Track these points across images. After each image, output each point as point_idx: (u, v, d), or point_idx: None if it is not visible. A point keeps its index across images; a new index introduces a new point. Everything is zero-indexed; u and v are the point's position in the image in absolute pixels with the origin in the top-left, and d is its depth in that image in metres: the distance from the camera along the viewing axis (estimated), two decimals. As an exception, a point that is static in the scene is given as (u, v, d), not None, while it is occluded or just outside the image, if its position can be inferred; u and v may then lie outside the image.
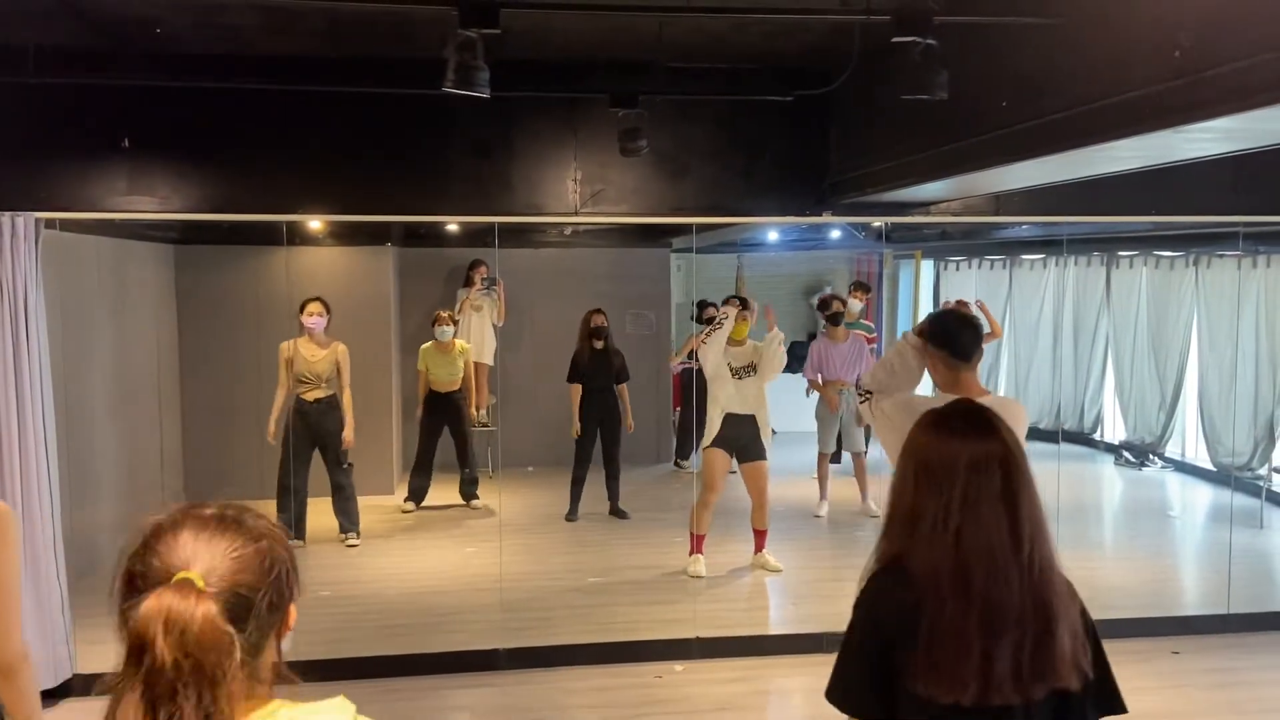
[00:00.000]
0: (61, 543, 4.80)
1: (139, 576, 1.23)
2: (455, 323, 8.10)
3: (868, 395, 3.41)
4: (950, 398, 3.12)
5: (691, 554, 6.57)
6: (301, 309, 6.90)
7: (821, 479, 8.16)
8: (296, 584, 1.33)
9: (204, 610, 1.18)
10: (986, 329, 3.78)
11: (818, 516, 8.02)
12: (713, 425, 6.43)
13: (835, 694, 1.84)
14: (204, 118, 6.30)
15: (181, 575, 1.21)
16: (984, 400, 3.22)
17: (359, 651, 5.20)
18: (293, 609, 1.33)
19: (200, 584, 1.20)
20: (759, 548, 6.72)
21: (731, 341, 6.45)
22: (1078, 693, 1.77)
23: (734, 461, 6.65)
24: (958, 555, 1.72)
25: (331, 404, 6.95)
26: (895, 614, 1.76)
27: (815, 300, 12.59)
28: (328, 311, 6.94)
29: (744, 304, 6.60)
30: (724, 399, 6.43)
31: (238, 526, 1.29)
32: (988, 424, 1.81)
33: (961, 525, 1.73)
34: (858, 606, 1.86)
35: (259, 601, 1.24)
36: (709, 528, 6.60)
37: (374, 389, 8.43)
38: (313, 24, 5.49)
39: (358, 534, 7.25)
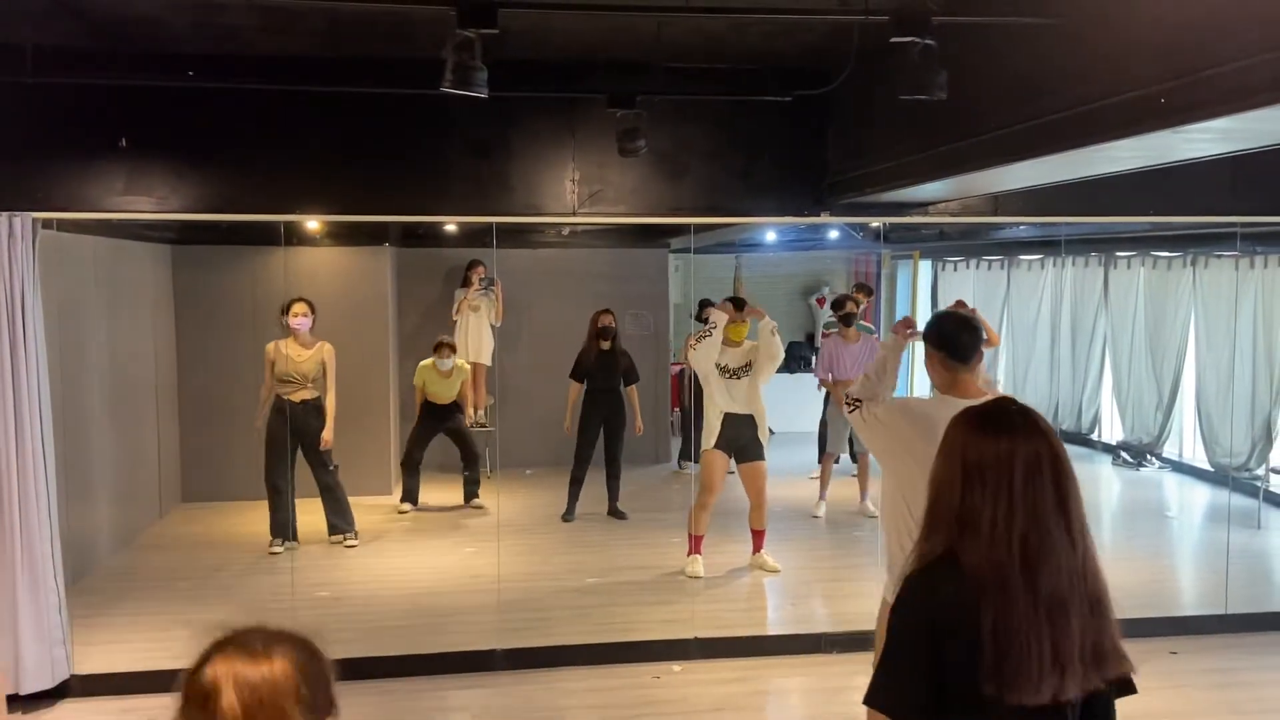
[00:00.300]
0: (59, 544, 4.79)
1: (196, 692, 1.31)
2: (454, 352, 8.06)
3: (856, 404, 3.45)
4: (954, 399, 3.14)
5: (690, 554, 6.57)
6: (286, 310, 6.88)
7: (824, 479, 8.16)
8: (335, 703, 1.42)
9: (270, 670, 1.30)
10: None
11: (815, 517, 8.03)
12: (712, 427, 6.43)
13: (880, 697, 1.80)
14: (202, 118, 6.29)
15: (253, 645, 1.33)
16: (981, 401, 3.27)
17: (356, 652, 5.19)
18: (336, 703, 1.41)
19: (267, 654, 1.32)
20: (757, 548, 6.72)
21: (729, 342, 6.45)
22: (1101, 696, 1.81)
23: (732, 462, 6.64)
24: (1024, 554, 1.72)
25: (316, 405, 6.93)
26: (948, 611, 1.74)
27: (821, 296, 12.62)
28: (313, 312, 6.92)
29: (738, 305, 6.58)
30: (720, 400, 6.43)
31: (295, 633, 1.42)
32: (1035, 423, 1.82)
33: (1025, 525, 1.73)
34: (901, 606, 1.83)
35: (312, 684, 1.35)
36: (707, 528, 6.60)
37: (371, 389, 8.43)
38: (311, 24, 5.48)
39: (355, 534, 7.23)
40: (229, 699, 1.27)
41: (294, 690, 1.32)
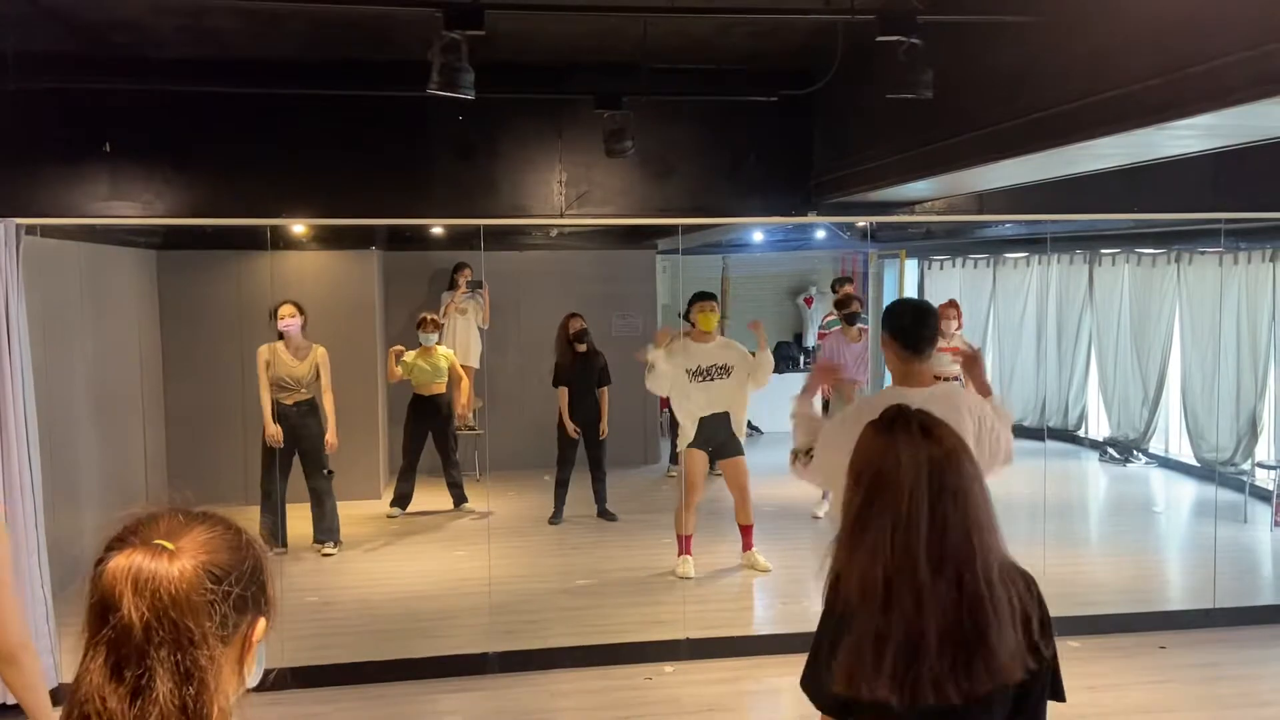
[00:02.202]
0: (45, 551, 4.75)
1: (117, 549, 1.19)
2: (440, 327, 8.04)
3: (806, 455, 3.47)
4: (905, 391, 3.17)
5: (680, 555, 6.57)
6: (274, 314, 6.83)
7: None
8: (271, 593, 1.27)
9: (179, 568, 1.13)
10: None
11: (816, 517, 7.99)
12: (687, 432, 6.42)
13: (805, 682, 1.94)
14: (185, 122, 6.26)
15: (156, 540, 1.16)
16: (931, 390, 3.33)
17: (347, 657, 5.17)
18: (261, 623, 1.25)
19: (173, 549, 1.16)
20: (747, 545, 6.70)
21: (698, 336, 6.38)
22: (1033, 682, 1.77)
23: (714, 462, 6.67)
24: (908, 558, 1.71)
25: (311, 408, 6.91)
26: (837, 617, 1.82)
27: (809, 296, 12.64)
28: (302, 313, 6.87)
29: (705, 297, 6.53)
30: (691, 406, 6.39)
31: (217, 519, 1.26)
32: (927, 431, 1.79)
33: (910, 526, 1.72)
34: (825, 604, 1.92)
35: (230, 584, 1.18)
36: (695, 527, 6.60)
37: (359, 393, 8.40)
38: (295, 27, 5.46)
39: (335, 543, 7.16)
40: (128, 605, 1.12)
41: (203, 591, 1.15)
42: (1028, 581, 1.83)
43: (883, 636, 1.71)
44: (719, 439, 6.45)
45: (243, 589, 1.20)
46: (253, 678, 1.26)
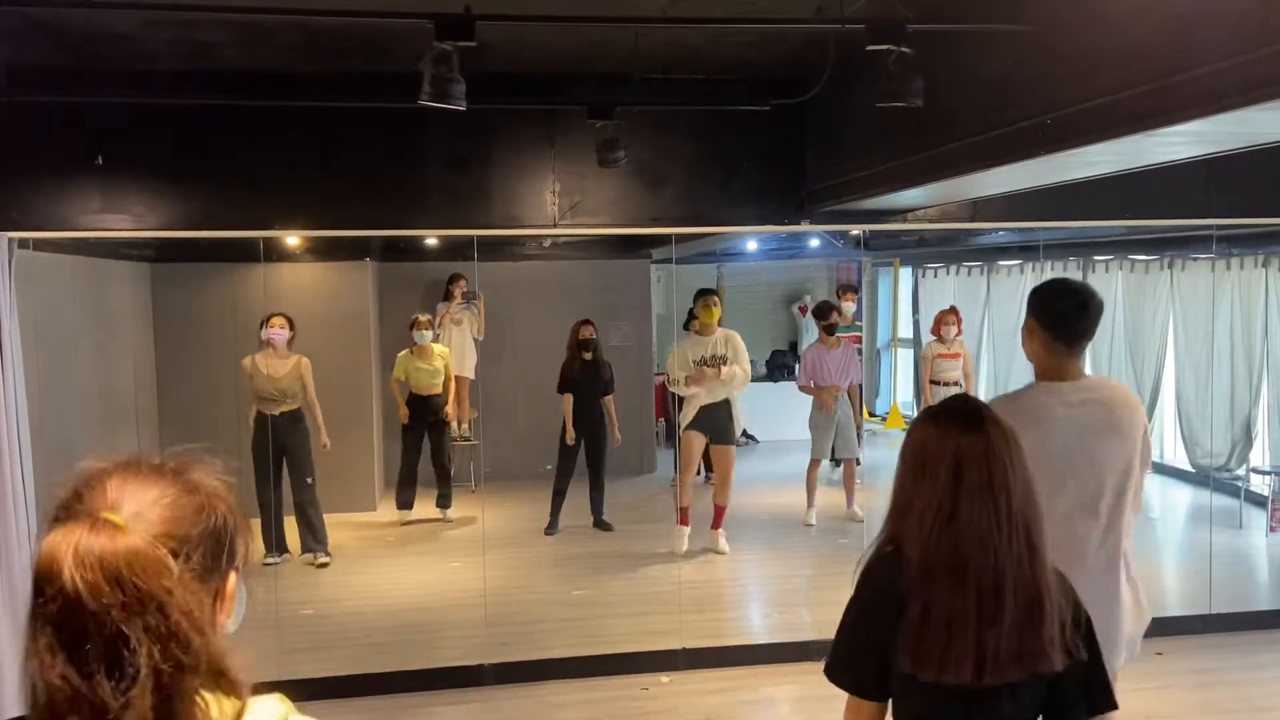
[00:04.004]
0: (38, 565, 4.73)
1: (60, 520, 1.08)
2: (433, 326, 8.14)
3: None
4: (1053, 386, 2.80)
5: (679, 525, 6.80)
6: (264, 323, 6.96)
7: (810, 486, 8.17)
8: (241, 549, 1.16)
9: (125, 543, 1.03)
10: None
11: (808, 525, 8.01)
12: (687, 415, 6.73)
13: (834, 670, 1.95)
14: (178, 134, 6.25)
15: (104, 514, 1.06)
16: (1083, 383, 2.86)
17: (342, 670, 5.15)
18: (232, 577, 1.15)
19: (121, 524, 1.05)
20: (716, 524, 6.99)
21: (702, 330, 6.73)
22: (1068, 682, 1.84)
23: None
24: (951, 541, 1.78)
25: (296, 417, 6.98)
26: (887, 595, 1.84)
27: (804, 304, 12.66)
28: (291, 328, 7.04)
29: (707, 293, 6.84)
30: (694, 396, 6.71)
31: (175, 476, 1.15)
32: (977, 418, 1.86)
33: (953, 512, 1.78)
34: (856, 588, 1.95)
35: (187, 559, 1.08)
36: (690, 500, 6.81)
37: (354, 405, 8.38)
38: (287, 39, 5.47)
39: (326, 552, 7.20)
40: (71, 578, 1.00)
41: (157, 564, 1.04)
42: (1065, 584, 1.88)
43: (960, 617, 1.76)
44: (718, 425, 6.81)
45: (203, 556, 1.10)
46: (232, 624, 1.17)
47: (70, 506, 1.10)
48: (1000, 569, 1.77)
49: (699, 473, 9.61)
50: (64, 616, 1.01)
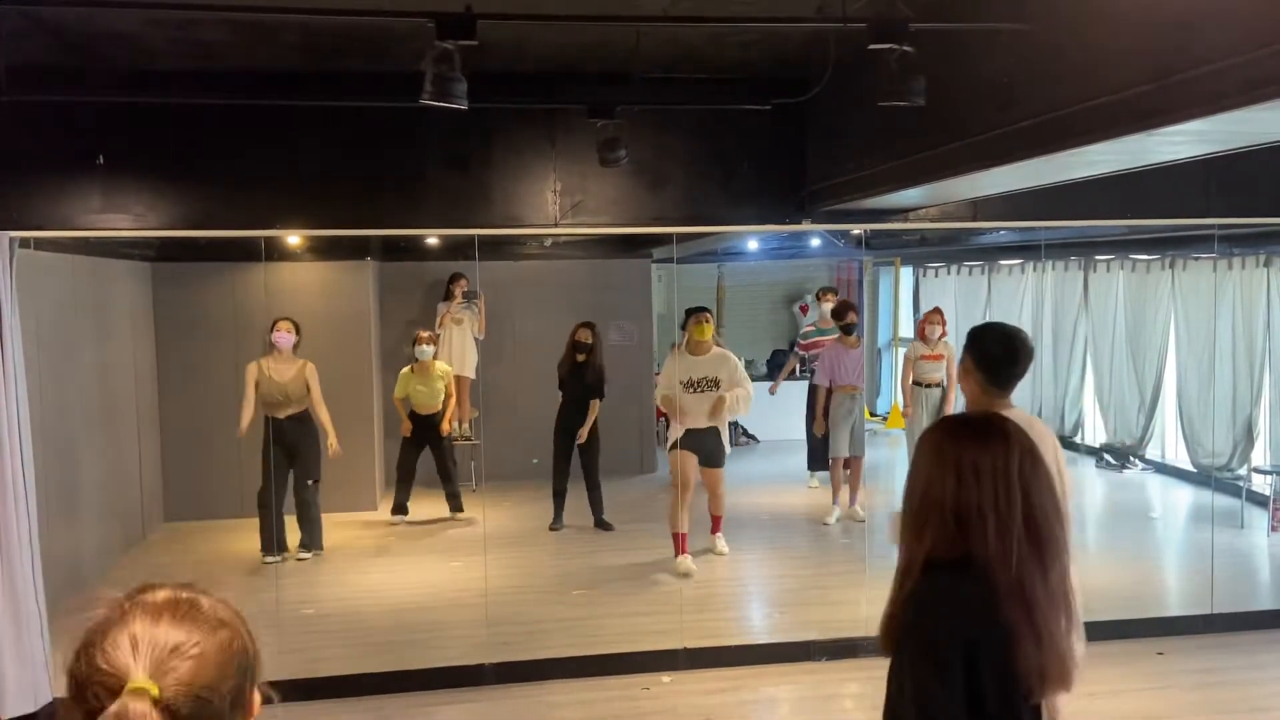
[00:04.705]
0: (40, 565, 4.73)
1: (85, 683, 1.06)
2: (435, 342, 8.14)
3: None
4: None
5: (678, 555, 6.63)
6: (271, 327, 7.03)
7: (836, 485, 8.13)
8: (259, 668, 1.18)
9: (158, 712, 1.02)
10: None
11: (826, 524, 7.97)
12: (676, 434, 6.63)
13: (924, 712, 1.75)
14: (179, 133, 6.25)
15: (134, 685, 1.04)
16: (1010, 413, 3.06)
17: (343, 669, 5.15)
18: (256, 696, 1.18)
19: (154, 691, 1.04)
20: (716, 529, 6.97)
21: (695, 347, 6.54)
22: None
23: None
24: (1032, 541, 1.76)
25: (302, 420, 7.02)
26: (973, 615, 1.74)
27: (804, 304, 12.66)
28: (298, 333, 7.10)
29: (698, 310, 6.72)
30: (682, 417, 6.53)
31: (194, 614, 1.12)
32: (1020, 430, 1.87)
33: (1028, 514, 1.77)
34: (926, 618, 1.77)
35: (220, 701, 1.09)
36: (690, 526, 6.70)
37: (355, 405, 8.38)
38: (288, 39, 5.47)
39: (318, 550, 7.25)
40: None
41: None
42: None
43: (1058, 627, 1.74)
44: (705, 449, 6.59)
45: (233, 689, 1.11)
46: None
47: (92, 663, 1.06)
48: (1065, 569, 1.80)
49: None
50: None
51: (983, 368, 3.04)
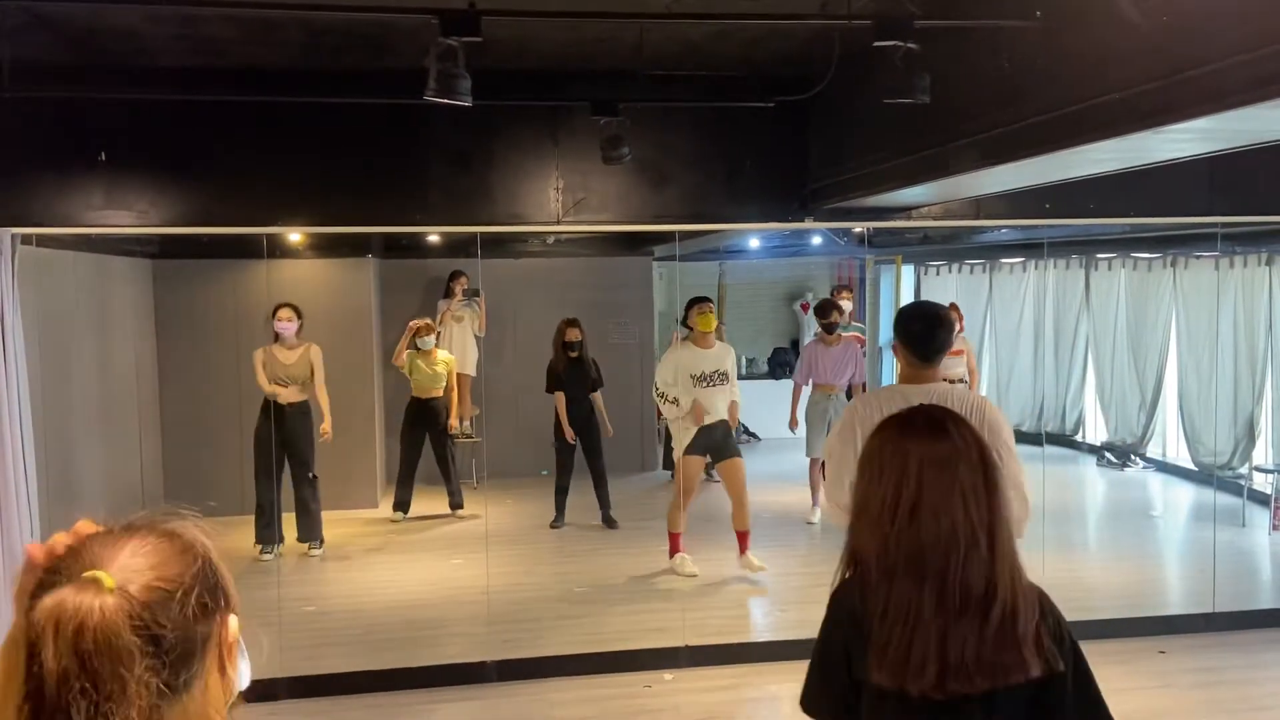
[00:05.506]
0: (41, 561, 4.73)
1: (35, 596, 1.01)
2: (438, 332, 8.16)
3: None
4: (907, 389, 3.16)
5: (674, 554, 6.58)
6: (273, 314, 7.08)
7: (814, 485, 8.14)
8: (229, 587, 1.12)
9: (103, 605, 0.98)
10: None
11: (810, 523, 8.00)
12: (686, 436, 6.45)
13: (810, 702, 1.92)
14: (181, 131, 6.25)
15: (86, 574, 1.00)
16: (933, 387, 3.28)
17: (344, 667, 5.15)
18: (233, 621, 1.10)
19: (109, 582, 1.00)
20: (743, 550, 6.67)
21: (698, 341, 6.45)
22: (1052, 698, 1.76)
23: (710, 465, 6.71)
24: (911, 536, 1.75)
25: (303, 410, 7.03)
26: (852, 615, 1.81)
27: (806, 302, 12.66)
28: (299, 317, 7.12)
29: (700, 300, 6.64)
30: (700, 415, 6.42)
31: (148, 528, 1.10)
32: (942, 426, 1.83)
33: (915, 507, 1.75)
34: (825, 619, 1.92)
35: (184, 596, 1.03)
36: (686, 527, 6.64)
37: (356, 402, 8.38)
38: (291, 35, 5.46)
39: (319, 544, 7.25)
40: (49, 653, 0.96)
41: (152, 612, 1.00)
42: (1040, 594, 1.84)
43: (920, 617, 1.72)
44: (716, 442, 6.50)
45: (199, 596, 1.06)
46: (243, 679, 1.12)
47: (50, 575, 1.03)
48: (967, 564, 1.72)
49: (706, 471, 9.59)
50: (37, 690, 0.97)
51: (907, 345, 3.30)
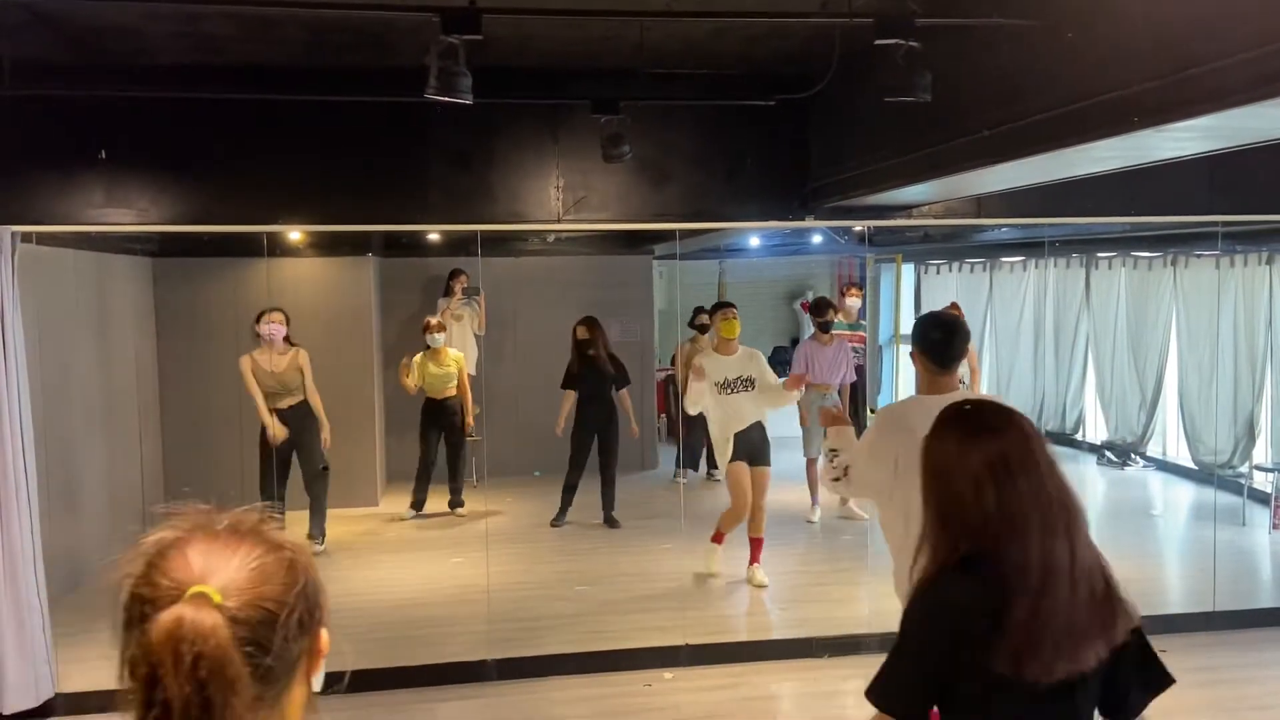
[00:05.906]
0: (41, 560, 4.73)
1: (146, 602, 1.02)
2: (444, 329, 8.10)
3: (845, 473, 3.54)
4: (929, 399, 3.20)
5: (715, 542, 6.51)
6: (259, 319, 6.89)
7: (812, 484, 8.13)
8: (325, 603, 1.15)
9: (215, 627, 0.99)
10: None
11: (810, 522, 8.00)
12: (726, 447, 6.26)
13: (878, 693, 1.86)
14: (181, 129, 6.25)
15: (195, 590, 1.01)
16: (954, 395, 3.35)
17: (343, 665, 5.15)
18: (324, 634, 1.15)
19: (217, 598, 1.01)
20: (754, 559, 6.53)
21: (722, 348, 6.28)
22: (1123, 667, 1.88)
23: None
24: (1042, 541, 1.80)
25: (304, 410, 6.98)
26: (969, 616, 1.79)
27: (805, 300, 12.66)
28: (287, 322, 6.97)
29: (725, 305, 6.55)
30: (725, 421, 6.25)
31: (255, 536, 1.11)
32: (1008, 415, 1.95)
33: (1031, 512, 1.81)
34: (917, 608, 1.87)
35: (287, 617, 1.06)
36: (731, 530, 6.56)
37: (356, 400, 8.38)
38: (290, 33, 5.46)
39: (320, 540, 7.26)
40: (170, 679, 0.97)
41: (255, 635, 1.02)
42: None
43: (1064, 608, 1.78)
44: (753, 446, 6.31)
45: (301, 613, 1.09)
46: (317, 682, 1.18)
47: (153, 581, 1.03)
48: (1075, 555, 1.81)
49: (705, 469, 9.59)
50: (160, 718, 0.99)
51: (926, 352, 3.40)
